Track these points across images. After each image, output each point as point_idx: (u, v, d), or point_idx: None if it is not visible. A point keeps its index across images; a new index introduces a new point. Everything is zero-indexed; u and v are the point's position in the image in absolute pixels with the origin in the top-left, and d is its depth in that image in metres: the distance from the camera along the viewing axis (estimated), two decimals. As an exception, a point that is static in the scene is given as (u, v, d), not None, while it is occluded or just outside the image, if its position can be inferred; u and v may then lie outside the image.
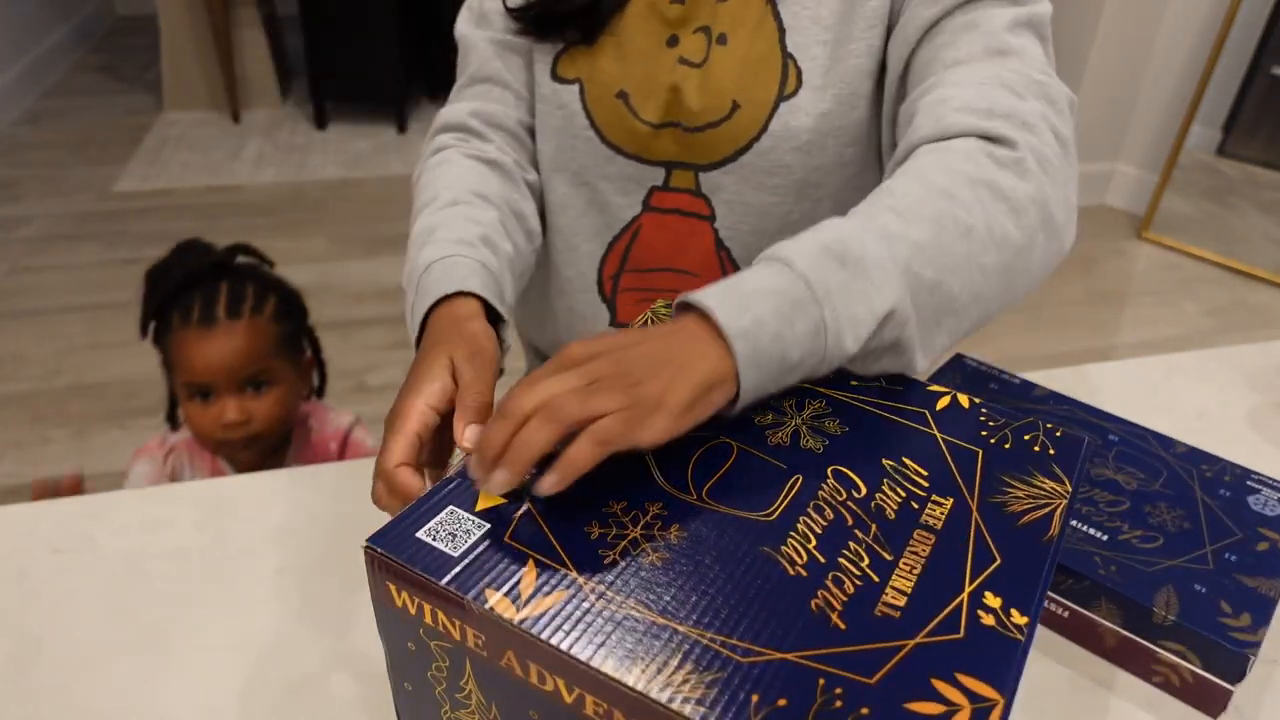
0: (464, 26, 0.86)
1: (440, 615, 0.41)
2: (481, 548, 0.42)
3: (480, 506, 0.45)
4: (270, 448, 1.15)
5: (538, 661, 0.39)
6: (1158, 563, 0.60)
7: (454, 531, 0.43)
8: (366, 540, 0.43)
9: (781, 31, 0.75)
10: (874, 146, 0.79)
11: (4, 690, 0.58)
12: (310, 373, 1.23)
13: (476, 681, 0.42)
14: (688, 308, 0.51)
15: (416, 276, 0.68)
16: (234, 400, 1.09)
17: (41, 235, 2.75)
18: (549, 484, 0.44)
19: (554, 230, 0.87)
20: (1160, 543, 0.62)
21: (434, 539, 0.43)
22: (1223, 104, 2.74)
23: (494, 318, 0.66)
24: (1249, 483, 0.69)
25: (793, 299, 0.49)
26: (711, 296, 0.49)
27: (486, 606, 0.39)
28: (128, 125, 3.48)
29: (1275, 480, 0.69)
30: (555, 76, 0.80)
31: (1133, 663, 0.59)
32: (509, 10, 0.81)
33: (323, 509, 0.72)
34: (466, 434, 0.53)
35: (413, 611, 0.42)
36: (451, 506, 0.45)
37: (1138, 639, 0.58)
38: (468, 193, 0.75)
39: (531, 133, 0.85)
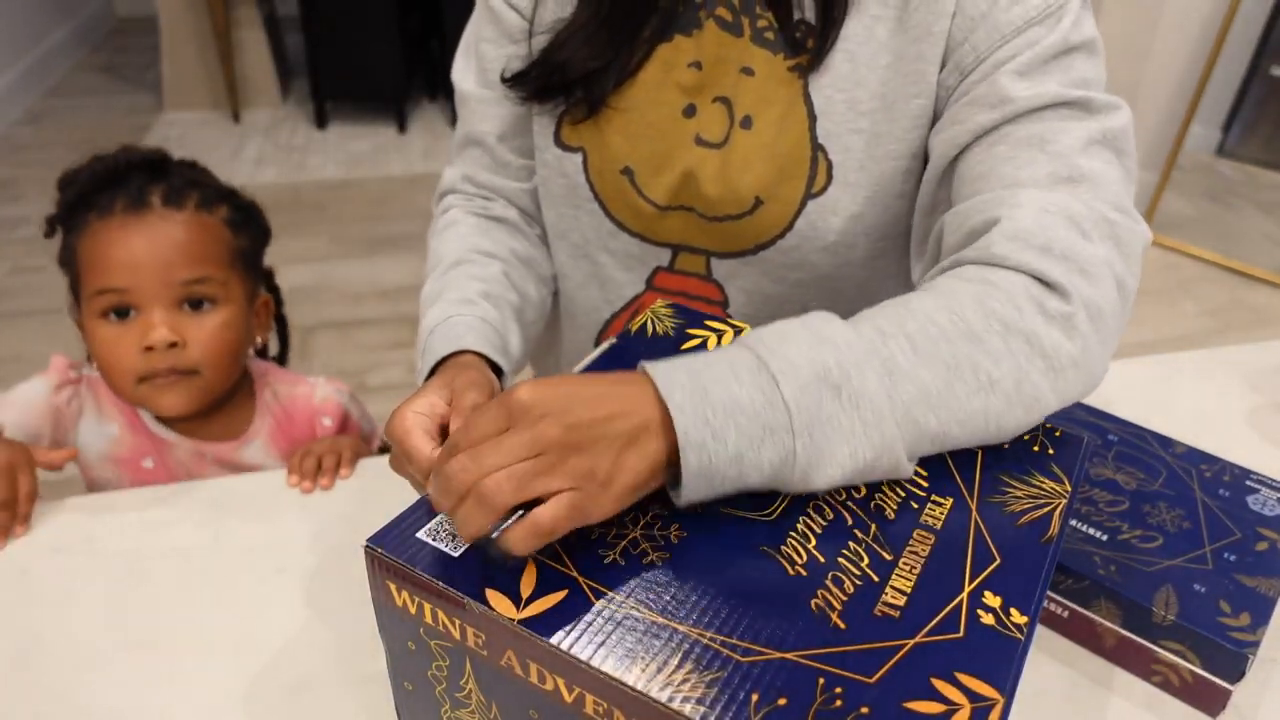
0: (458, 76, 0.80)
1: (440, 615, 0.41)
2: (482, 548, 0.42)
3: None
4: (207, 399, 0.84)
5: (538, 661, 0.39)
6: (1157, 562, 0.60)
7: (454, 531, 0.43)
8: (367, 540, 0.43)
9: (813, 119, 0.68)
10: (907, 236, 0.73)
11: (4, 690, 0.58)
12: (267, 320, 0.94)
13: (476, 681, 0.42)
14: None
15: (422, 343, 0.68)
16: (163, 314, 0.79)
17: (42, 235, 2.74)
18: (501, 553, 0.41)
19: (560, 292, 0.84)
20: (1160, 542, 0.62)
21: (434, 539, 0.43)
22: (1223, 104, 2.74)
23: (498, 369, 0.66)
24: (1248, 483, 0.69)
25: (766, 423, 0.44)
26: (677, 391, 0.44)
27: (487, 606, 0.39)
28: (128, 125, 3.49)
29: (1274, 480, 0.69)
30: (558, 142, 0.75)
31: (1132, 662, 0.59)
32: (504, 81, 0.74)
33: (323, 509, 0.72)
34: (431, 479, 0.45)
35: (413, 611, 0.42)
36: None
37: (1137, 639, 0.58)
38: (470, 251, 0.75)
39: (529, 192, 0.80)
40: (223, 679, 0.59)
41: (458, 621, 0.41)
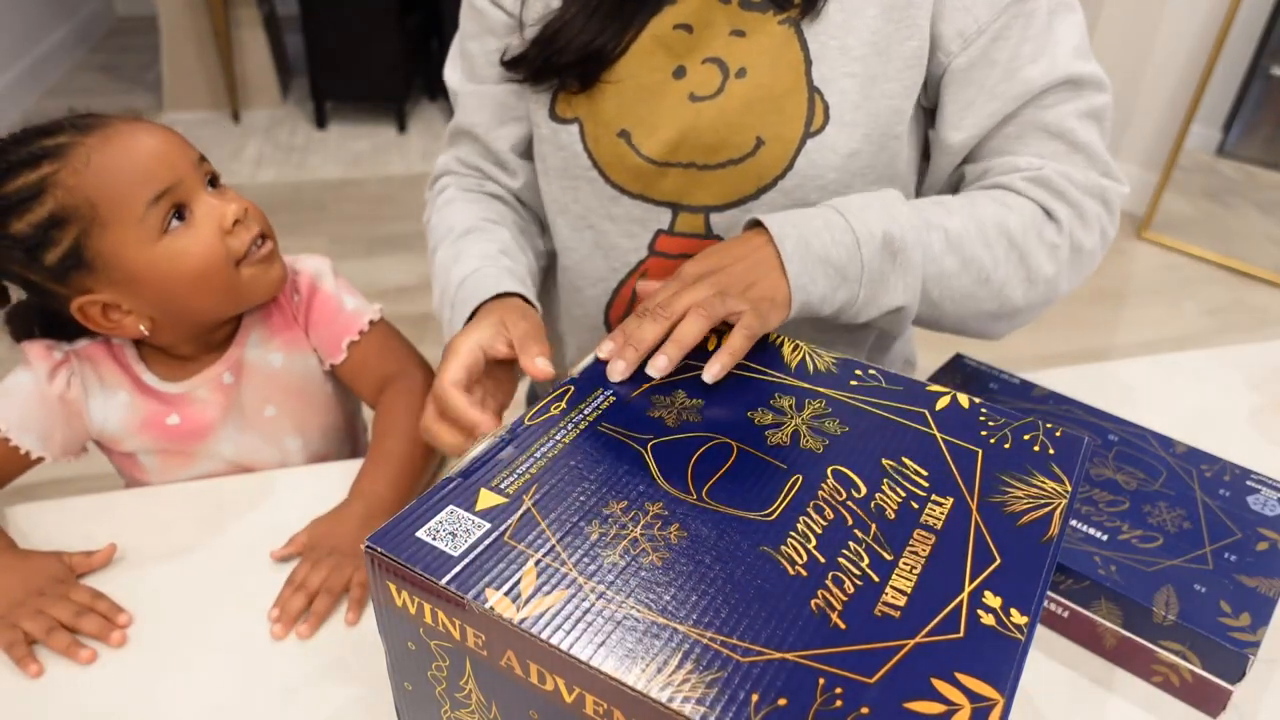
0: (450, 75, 0.83)
1: (440, 615, 0.41)
2: (481, 547, 0.42)
3: (480, 506, 0.45)
4: (278, 253, 0.79)
5: (538, 661, 0.39)
6: (1157, 563, 0.60)
7: (454, 531, 0.43)
8: (367, 540, 0.43)
9: (808, 63, 0.70)
10: (899, 181, 0.76)
11: (4, 690, 0.58)
12: None
13: (476, 681, 0.42)
14: (763, 229, 0.66)
15: (451, 294, 0.71)
16: (212, 194, 0.73)
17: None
18: (663, 364, 0.56)
19: (561, 269, 0.85)
20: (1160, 543, 0.62)
21: (434, 538, 0.43)
22: (1223, 104, 2.74)
23: None
24: (1249, 482, 0.68)
25: (845, 275, 0.65)
26: (789, 243, 0.64)
27: (487, 606, 0.39)
28: (128, 125, 3.48)
29: (1275, 480, 0.69)
30: (554, 116, 0.77)
31: (1132, 663, 0.59)
32: (503, 63, 0.77)
33: (323, 508, 0.72)
34: (605, 344, 0.59)
35: (413, 611, 0.42)
36: (451, 506, 0.45)
37: (1137, 639, 0.58)
38: (478, 219, 0.80)
39: (521, 179, 0.84)
40: (222, 679, 0.59)
41: (458, 621, 0.41)
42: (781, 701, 0.36)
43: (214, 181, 0.75)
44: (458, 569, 0.41)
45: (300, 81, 3.83)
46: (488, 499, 0.45)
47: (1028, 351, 2.20)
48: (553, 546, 0.43)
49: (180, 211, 0.71)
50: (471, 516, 0.44)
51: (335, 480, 0.76)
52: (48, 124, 0.71)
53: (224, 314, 0.78)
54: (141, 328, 0.73)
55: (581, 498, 0.46)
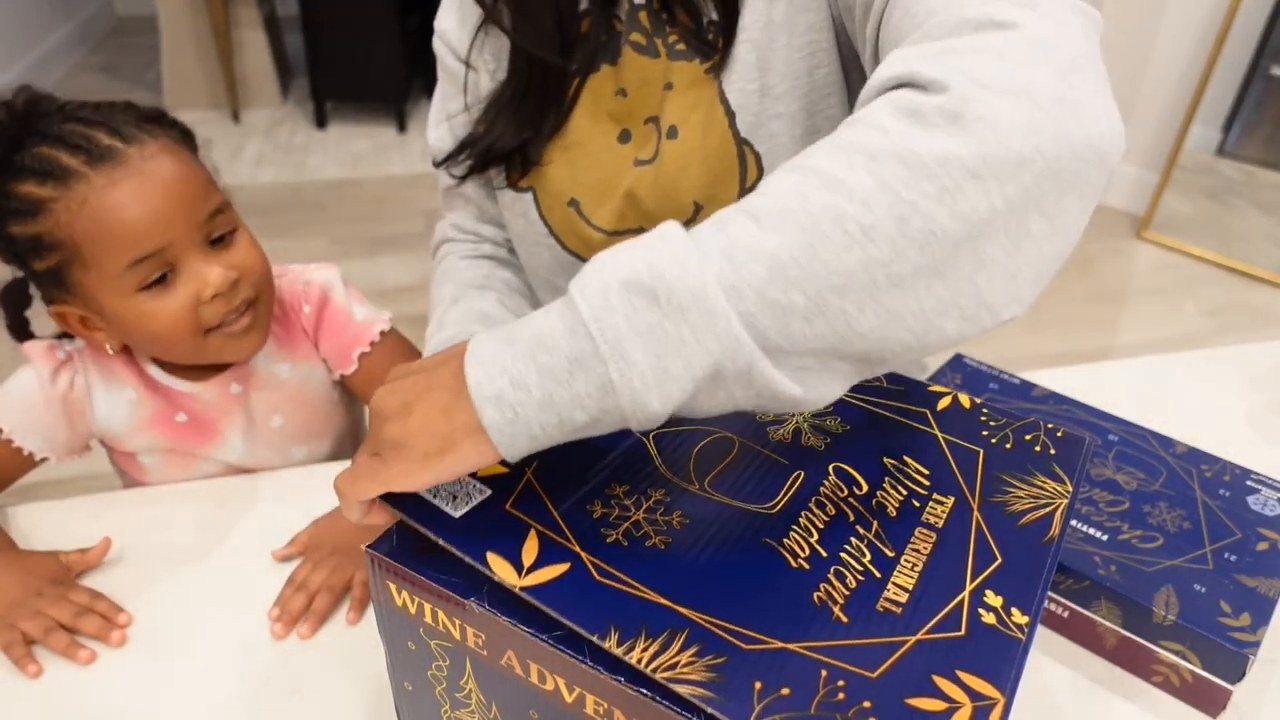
0: (433, 136, 0.82)
1: (440, 615, 0.41)
2: (483, 512, 0.42)
3: (481, 473, 0.45)
4: (269, 322, 0.78)
5: (538, 661, 0.39)
6: (1157, 563, 0.60)
7: (455, 492, 0.43)
8: (366, 547, 0.43)
9: (731, 116, 0.67)
10: None
11: (4, 690, 0.58)
12: None
13: (476, 681, 0.42)
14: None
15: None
16: (202, 259, 0.70)
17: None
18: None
19: None
20: (1160, 542, 0.62)
21: (434, 496, 0.43)
22: (1223, 104, 2.74)
23: None
24: (1248, 482, 0.69)
25: (570, 354, 0.38)
26: (484, 345, 0.40)
27: (488, 569, 0.39)
28: (128, 125, 3.48)
29: (1274, 480, 0.69)
30: (510, 184, 0.78)
31: (1133, 663, 0.59)
32: (441, 163, 0.79)
33: (324, 508, 0.72)
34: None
35: (413, 611, 0.42)
36: None
37: (1138, 639, 0.58)
38: (465, 288, 0.82)
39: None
40: (222, 679, 0.59)
41: (458, 621, 0.41)
42: (784, 691, 0.36)
43: (223, 237, 0.72)
44: (458, 530, 0.41)
45: (300, 81, 3.82)
46: (489, 468, 0.45)
47: (1028, 351, 2.20)
48: (555, 520, 0.43)
49: (165, 272, 0.69)
50: (473, 481, 0.44)
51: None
52: (90, 117, 0.69)
53: (191, 363, 0.78)
54: (109, 348, 0.75)
55: (584, 477, 0.46)
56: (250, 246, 0.74)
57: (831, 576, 0.41)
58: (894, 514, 0.46)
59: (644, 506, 0.44)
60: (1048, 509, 0.47)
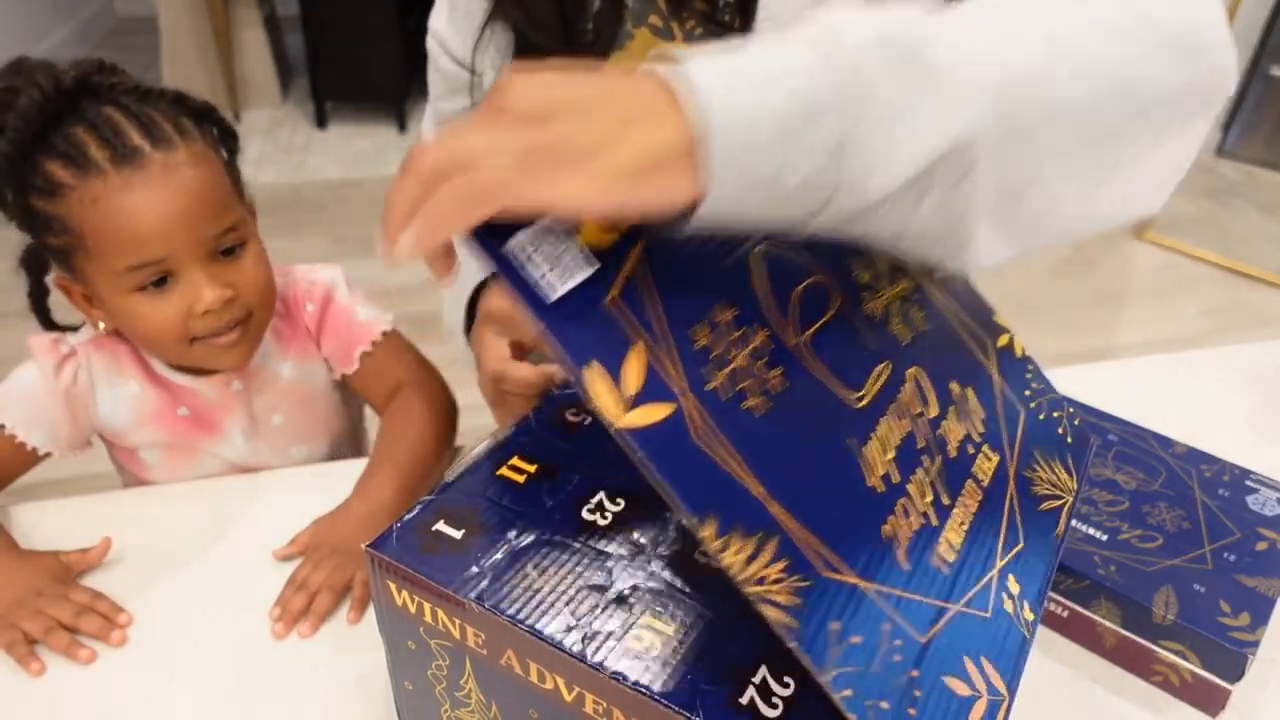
0: (426, 130, 0.83)
1: (440, 614, 0.41)
2: (583, 295, 0.35)
3: (586, 239, 0.37)
4: (260, 338, 0.79)
5: (538, 661, 0.39)
6: (1157, 562, 0.60)
7: (558, 256, 0.35)
8: (366, 546, 0.43)
9: None
10: None
11: (4, 690, 0.58)
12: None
13: (476, 681, 0.42)
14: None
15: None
16: (204, 272, 0.71)
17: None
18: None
19: None
20: (1160, 542, 0.62)
21: (529, 260, 0.34)
22: (1223, 104, 2.74)
23: None
24: (1248, 482, 0.69)
25: (812, 99, 0.33)
26: (701, 69, 0.33)
27: (585, 388, 0.34)
28: (128, 125, 3.48)
29: (1274, 480, 0.69)
30: None
31: (1132, 662, 0.59)
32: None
33: (324, 508, 0.72)
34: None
35: (413, 611, 0.42)
36: (552, 223, 0.36)
37: (1137, 639, 0.58)
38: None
39: None
40: (222, 679, 0.59)
41: (458, 621, 0.41)
42: (855, 639, 0.35)
43: (232, 249, 0.73)
44: (558, 316, 0.34)
45: (300, 81, 3.82)
46: (592, 233, 0.36)
47: (1028, 351, 2.20)
48: (661, 335, 0.37)
49: (164, 277, 0.70)
50: (578, 246, 0.35)
51: (337, 480, 0.76)
52: (132, 106, 0.69)
53: (183, 366, 0.79)
54: (101, 326, 0.76)
55: (691, 285, 0.39)
56: (256, 264, 0.75)
57: (899, 510, 0.40)
58: (953, 454, 0.45)
59: (748, 348, 0.39)
60: (1059, 502, 0.47)
